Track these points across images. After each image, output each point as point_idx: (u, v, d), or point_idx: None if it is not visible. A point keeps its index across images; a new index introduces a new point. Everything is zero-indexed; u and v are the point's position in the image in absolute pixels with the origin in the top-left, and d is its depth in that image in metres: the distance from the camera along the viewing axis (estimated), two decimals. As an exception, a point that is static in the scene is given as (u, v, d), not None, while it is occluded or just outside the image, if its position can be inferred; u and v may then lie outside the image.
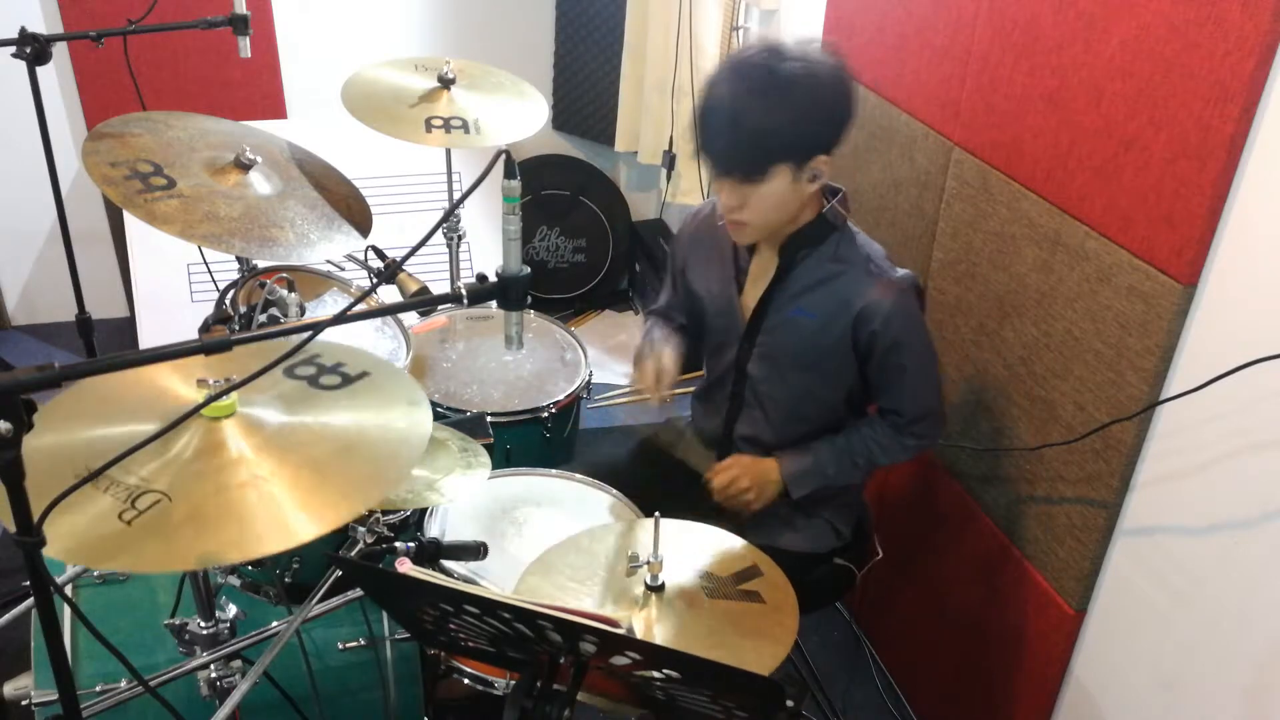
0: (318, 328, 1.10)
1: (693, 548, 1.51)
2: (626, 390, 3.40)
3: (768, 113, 1.50)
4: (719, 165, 1.58)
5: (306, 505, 1.08)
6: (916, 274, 1.75)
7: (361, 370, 1.30)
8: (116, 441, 1.14)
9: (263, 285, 1.80)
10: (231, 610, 1.49)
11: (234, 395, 1.16)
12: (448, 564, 1.58)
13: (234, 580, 1.62)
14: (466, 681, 1.60)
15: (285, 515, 1.07)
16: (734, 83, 1.53)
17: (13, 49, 2.06)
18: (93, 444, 1.14)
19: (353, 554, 1.45)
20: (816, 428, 1.83)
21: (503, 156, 1.21)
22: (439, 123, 2.13)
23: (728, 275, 1.80)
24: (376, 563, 1.43)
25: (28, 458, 0.90)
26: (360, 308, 1.11)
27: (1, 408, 0.87)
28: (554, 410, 2.17)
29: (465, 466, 1.64)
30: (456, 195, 2.65)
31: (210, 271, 2.53)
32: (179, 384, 1.24)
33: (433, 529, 1.72)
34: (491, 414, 2.04)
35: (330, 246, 1.67)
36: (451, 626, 1.17)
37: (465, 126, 2.14)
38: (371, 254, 1.87)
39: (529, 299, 1.23)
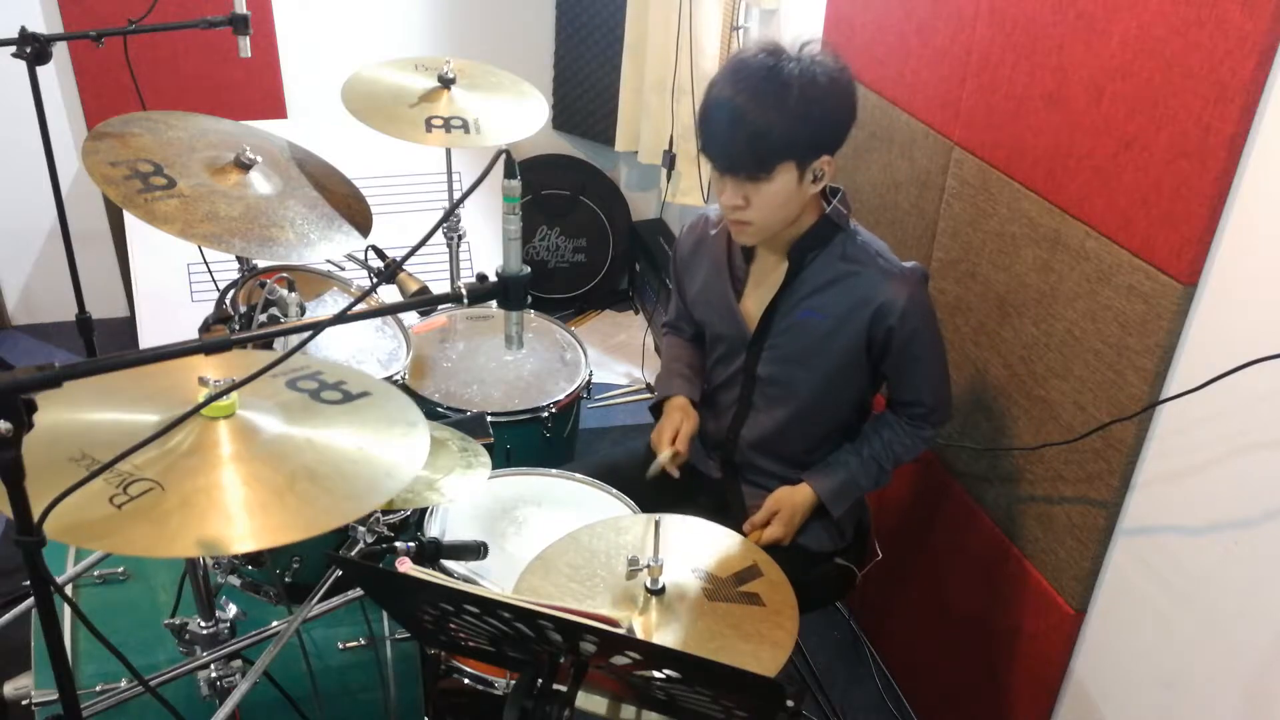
0: (318, 327, 1.10)
1: (692, 547, 1.51)
2: (627, 390, 3.40)
3: (767, 110, 1.51)
4: (721, 162, 1.58)
5: (297, 509, 1.08)
6: (923, 265, 1.75)
7: (363, 389, 1.30)
8: (113, 429, 1.15)
9: (263, 285, 1.80)
10: (231, 610, 1.49)
11: (234, 397, 1.16)
12: (448, 564, 1.58)
13: (234, 580, 1.62)
14: (466, 681, 1.60)
15: (275, 515, 1.07)
16: (735, 82, 1.54)
17: (13, 49, 2.06)
18: (89, 430, 1.14)
19: (353, 554, 1.45)
20: (826, 429, 1.83)
21: (503, 156, 1.21)
22: (439, 123, 2.13)
23: (724, 283, 1.80)
24: (376, 562, 1.43)
25: (25, 438, 0.90)
26: (360, 308, 1.11)
27: (1, 408, 0.87)
28: (554, 410, 2.17)
29: (465, 466, 1.64)
30: (456, 195, 2.65)
31: (210, 271, 2.53)
32: (179, 379, 1.24)
33: (433, 529, 1.72)
34: (491, 414, 2.04)
35: (330, 246, 1.67)
36: (451, 626, 1.17)
37: (465, 126, 2.14)
38: (371, 254, 1.87)
39: (529, 299, 1.23)
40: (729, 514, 1.88)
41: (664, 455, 1.79)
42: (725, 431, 1.90)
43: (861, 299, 1.67)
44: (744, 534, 1.68)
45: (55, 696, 1.52)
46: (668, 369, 1.96)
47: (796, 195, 1.60)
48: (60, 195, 2.28)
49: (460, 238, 2.50)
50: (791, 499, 1.81)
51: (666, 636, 1.35)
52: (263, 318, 1.76)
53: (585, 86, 3.66)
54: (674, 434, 1.82)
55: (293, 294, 1.80)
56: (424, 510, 1.73)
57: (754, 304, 1.77)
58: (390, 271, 1.75)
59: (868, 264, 1.68)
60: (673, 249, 1.93)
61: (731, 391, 1.86)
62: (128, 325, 3.38)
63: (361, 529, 1.47)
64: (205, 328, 1.80)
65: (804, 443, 1.84)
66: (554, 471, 1.91)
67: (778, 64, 1.52)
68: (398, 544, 1.46)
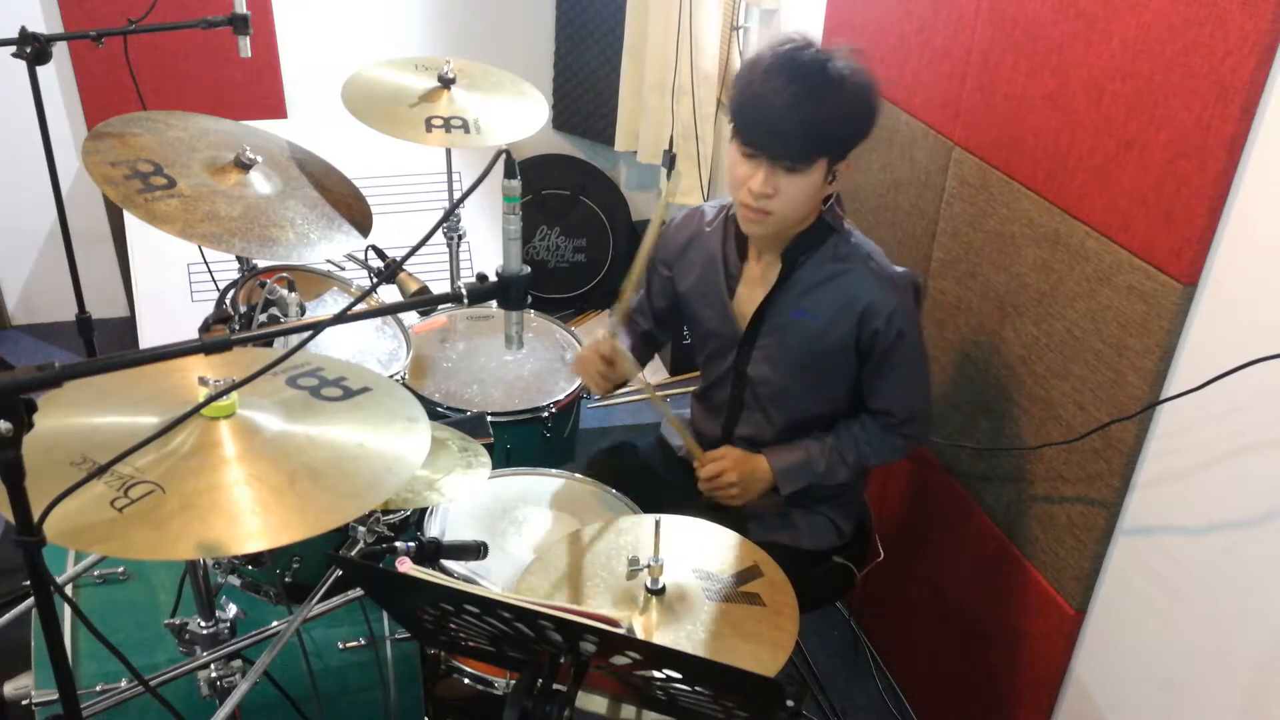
0: (318, 327, 1.10)
1: (693, 548, 1.51)
2: (627, 390, 3.40)
3: (822, 102, 1.53)
4: (768, 149, 1.56)
5: (297, 508, 1.08)
6: (915, 272, 1.75)
7: (363, 385, 1.30)
8: (114, 431, 1.15)
9: (263, 285, 1.80)
10: (231, 610, 1.49)
11: (234, 397, 1.16)
12: (448, 564, 1.58)
13: (234, 580, 1.62)
14: (466, 681, 1.60)
15: (276, 515, 1.07)
16: (788, 73, 1.54)
17: (13, 49, 2.06)
18: (90, 433, 1.14)
19: (353, 553, 1.45)
20: (820, 428, 1.82)
21: (503, 156, 1.21)
22: (439, 122, 2.13)
23: (718, 281, 1.79)
24: (376, 562, 1.43)
25: (25, 443, 0.90)
26: (360, 308, 1.11)
27: (1, 408, 0.87)
28: (554, 410, 2.17)
29: (465, 466, 1.64)
30: (456, 195, 2.65)
31: (210, 271, 2.53)
32: (179, 379, 1.24)
33: (433, 529, 1.72)
34: (491, 414, 2.04)
35: (330, 246, 1.67)
36: (451, 626, 1.17)
37: (465, 126, 2.14)
38: (371, 254, 1.87)
39: (529, 299, 1.23)
40: (726, 513, 1.87)
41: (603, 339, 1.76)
42: (720, 430, 1.90)
43: (850, 297, 1.67)
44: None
45: (55, 696, 1.52)
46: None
47: (817, 193, 1.61)
48: (60, 195, 2.28)
49: (460, 238, 2.50)
50: (742, 453, 1.80)
51: (666, 636, 1.35)
52: (263, 318, 1.76)
53: (585, 86, 3.66)
54: (597, 357, 1.79)
55: (293, 294, 1.80)
56: (424, 510, 1.73)
57: (747, 303, 1.77)
58: (390, 271, 1.75)
59: (858, 264, 1.68)
60: (659, 241, 1.91)
61: (723, 391, 1.86)
62: (128, 325, 3.38)
63: (361, 529, 1.47)
64: (205, 328, 1.80)
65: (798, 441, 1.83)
66: (554, 471, 1.91)
67: (831, 61, 1.54)
68: (398, 544, 1.46)
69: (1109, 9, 1.50)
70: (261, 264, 1.95)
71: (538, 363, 2.35)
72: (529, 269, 1.20)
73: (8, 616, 1.63)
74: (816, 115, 1.53)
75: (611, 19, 3.47)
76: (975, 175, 1.86)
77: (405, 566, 1.11)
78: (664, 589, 1.40)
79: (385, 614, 1.70)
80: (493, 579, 1.60)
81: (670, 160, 3.34)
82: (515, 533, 1.74)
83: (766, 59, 1.57)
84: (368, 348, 2.10)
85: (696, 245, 1.83)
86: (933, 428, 1.98)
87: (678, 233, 1.87)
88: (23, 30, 2.06)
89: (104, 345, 2.94)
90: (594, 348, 1.80)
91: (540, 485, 1.88)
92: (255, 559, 1.58)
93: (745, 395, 1.84)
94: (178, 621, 1.45)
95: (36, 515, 0.93)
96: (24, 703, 1.54)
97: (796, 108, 1.52)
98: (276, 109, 3.38)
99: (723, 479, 1.78)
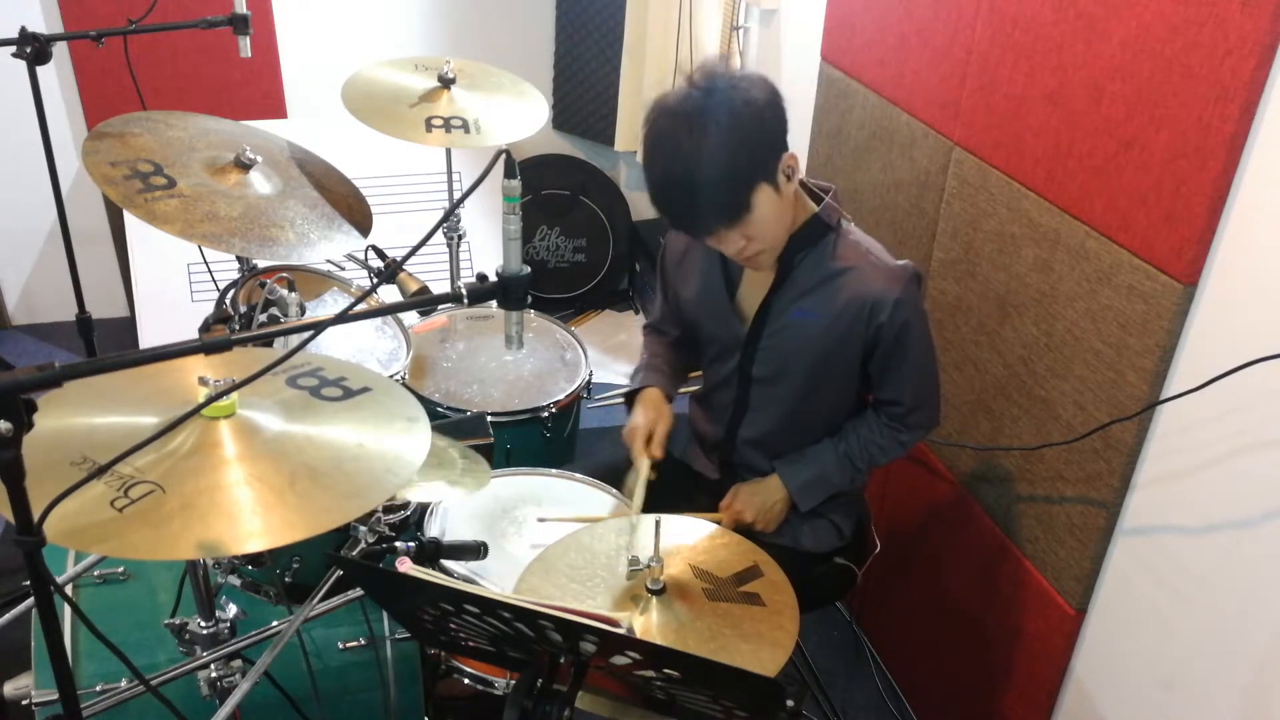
0: (318, 327, 1.10)
1: (693, 548, 1.51)
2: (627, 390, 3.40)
3: (716, 153, 1.49)
4: (704, 227, 1.57)
5: (297, 508, 1.08)
6: (915, 262, 1.75)
7: (363, 385, 1.30)
8: (114, 432, 1.15)
9: (263, 285, 1.80)
10: (231, 610, 1.49)
11: (234, 397, 1.16)
12: (448, 564, 1.58)
13: (234, 580, 1.62)
14: (466, 681, 1.60)
15: (276, 515, 1.07)
16: (675, 136, 1.51)
17: (13, 49, 2.06)
18: (90, 433, 1.14)
19: (353, 553, 1.45)
20: (824, 427, 1.82)
21: (503, 156, 1.21)
22: (439, 122, 2.13)
23: (718, 284, 1.79)
24: (377, 562, 1.43)
25: (25, 443, 0.90)
26: (360, 308, 1.11)
27: (1, 408, 0.87)
28: (554, 410, 2.17)
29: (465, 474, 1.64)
30: (456, 195, 2.65)
31: (210, 271, 2.53)
32: (178, 379, 1.24)
33: (433, 529, 1.72)
34: (491, 414, 2.04)
35: (330, 246, 1.67)
36: (451, 626, 1.17)
37: (465, 126, 2.14)
38: (371, 254, 1.87)
39: (529, 299, 1.23)
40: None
41: (643, 468, 1.76)
42: (723, 432, 1.90)
43: (853, 296, 1.66)
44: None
45: (55, 696, 1.52)
46: (646, 363, 1.95)
47: (783, 204, 1.60)
48: (60, 195, 2.28)
49: (460, 238, 2.50)
50: (749, 487, 1.82)
51: (666, 636, 1.35)
52: (263, 318, 1.76)
53: (585, 86, 3.66)
54: (648, 434, 1.80)
55: (293, 294, 1.80)
56: (424, 510, 1.73)
57: (747, 304, 1.77)
58: (390, 271, 1.75)
59: (858, 262, 1.67)
60: (660, 250, 1.92)
61: (727, 392, 1.86)
62: (128, 325, 3.38)
63: (362, 529, 1.47)
64: (205, 328, 1.80)
65: (802, 441, 1.83)
66: (554, 471, 1.91)
67: (703, 96, 1.50)
68: (398, 544, 1.46)
69: (1109, 9, 1.50)
70: (261, 264, 1.95)
71: (538, 363, 2.35)
72: (529, 269, 1.20)
73: (8, 616, 1.63)
74: (719, 171, 1.50)
75: (611, 19, 3.47)
76: (975, 175, 1.86)
77: (405, 566, 1.11)
78: (664, 589, 1.40)
79: (385, 614, 1.70)
80: (493, 579, 1.60)
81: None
82: (515, 533, 1.74)
83: (650, 128, 1.55)
84: (368, 348, 2.10)
85: (695, 250, 1.83)
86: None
87: (677, 240, 1.87)
88: (23, 30, 2.06)
89: (104, 345, 2.94)
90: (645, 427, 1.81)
91: (540, 485, 1.88)
92: (255, 559, 1.58)
93: (750, 396, 1.83)
94: (178, 621, 1.45)
95: (36, 515, 0.93)
96: (24, 703, 1.54)
97: (697, 182, 1.50)
98: (276, 109, 3.38)
99: (743, 522, 1.80)
